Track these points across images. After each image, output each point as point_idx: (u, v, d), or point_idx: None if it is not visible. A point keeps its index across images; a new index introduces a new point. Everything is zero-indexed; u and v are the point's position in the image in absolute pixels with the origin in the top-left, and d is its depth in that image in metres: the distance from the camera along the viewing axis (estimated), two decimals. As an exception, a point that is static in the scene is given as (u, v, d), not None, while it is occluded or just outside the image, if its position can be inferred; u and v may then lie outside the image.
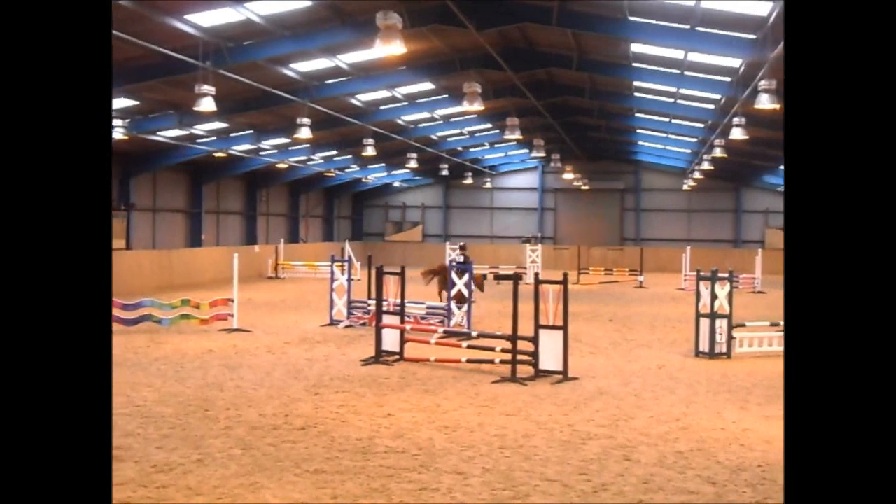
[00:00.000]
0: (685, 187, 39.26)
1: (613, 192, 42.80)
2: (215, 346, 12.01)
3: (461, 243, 22.15)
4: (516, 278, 10.22)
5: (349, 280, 15.07)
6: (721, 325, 11.71)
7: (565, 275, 9.86)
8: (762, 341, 12.06)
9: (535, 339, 9.89)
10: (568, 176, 37.84)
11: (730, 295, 11.76)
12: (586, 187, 41.10)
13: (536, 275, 10.85)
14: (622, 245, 42.17)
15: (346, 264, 15.50)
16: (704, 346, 11.86)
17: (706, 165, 28.14)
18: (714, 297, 11.77)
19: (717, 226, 41.52)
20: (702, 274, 12.12)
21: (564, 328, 9.71)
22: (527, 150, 37.44)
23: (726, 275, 12.00)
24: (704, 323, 11.87)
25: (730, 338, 11.69)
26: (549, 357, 9.76)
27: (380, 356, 10.75)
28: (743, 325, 12.18)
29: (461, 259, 17.71)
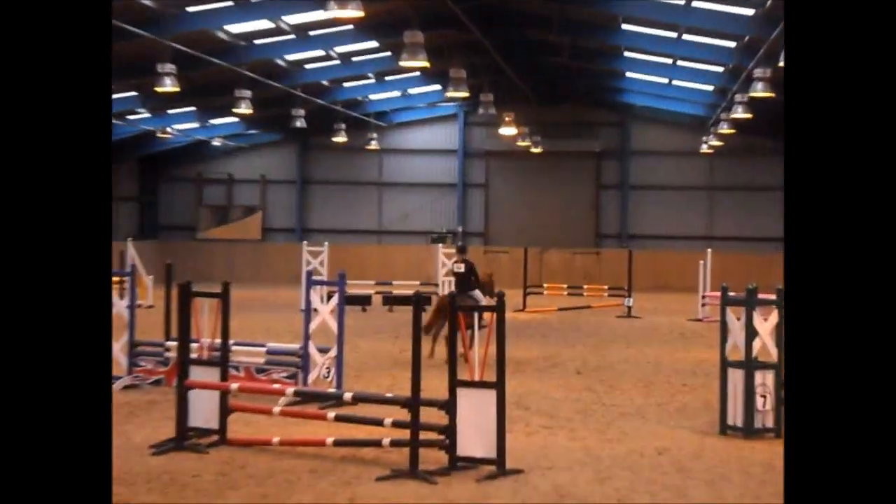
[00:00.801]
0: (705, 149, 40.43)
1: (584, 159, 43.70)
2: None
3: (459, 243, 22.54)
4: (419, 302, 10.08)
5: (131, 307, 15.06)
6: (765, 380, 11.79)
7: (500, 296, 9.92)
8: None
9: (449, 406, 9.99)
10: (508, 131, 38.14)
11: (779, 329, 11.85)
12: (539, 150, 41.73)
13: (452, 296, 10.74)
14: (598, 247, 43.13)
15: (127, 280, 15.88)
16: (736, 416, 11.95)
17: (740, 113, 28.90)
18: (752, 333, 11.84)
19: (757, 214, 42.98)
20: (731, 295, 12.19)
21: (499, 386, 9.81)
22: (439, 88, 37.45)
23: (773, 297, 12.10)
24: (736, 377, 11.96)
25: (779, 403, 11.74)
26: (474, 435, 9.92)
27: (185, 437, 10.88)
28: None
29: (461, 268, 18.52)
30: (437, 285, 28.29)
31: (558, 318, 27.41)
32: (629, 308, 28.34)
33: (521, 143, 40.44)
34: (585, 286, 31.83)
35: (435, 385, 12.77)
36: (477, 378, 10.06)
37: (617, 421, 12.75)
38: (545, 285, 32.17)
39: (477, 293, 18.45)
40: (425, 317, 16.83)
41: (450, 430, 9.98)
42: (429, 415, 10.22)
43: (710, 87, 35.23)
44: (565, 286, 31.59)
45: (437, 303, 18.32)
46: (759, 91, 23.97)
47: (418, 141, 44.21)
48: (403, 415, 10.09)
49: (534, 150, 41.31)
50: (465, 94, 25.62)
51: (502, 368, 9.83)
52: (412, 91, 39.62)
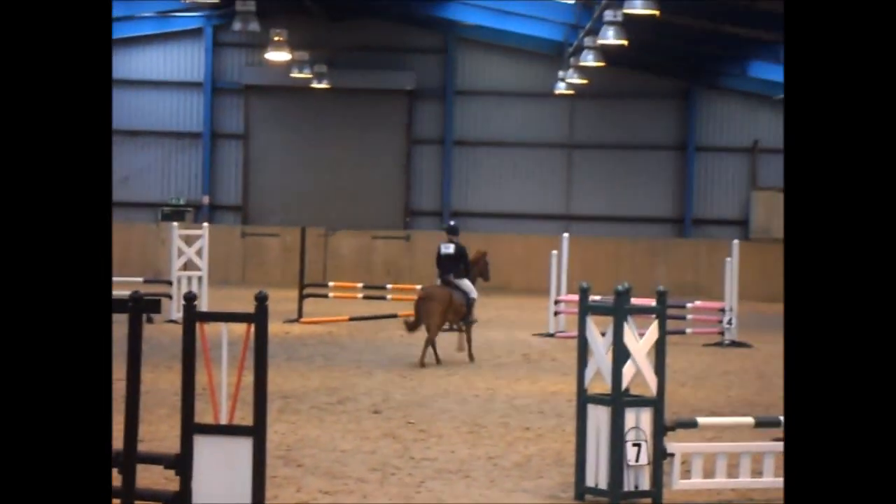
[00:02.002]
0: (562, 89, 41.32)
1: (391, 100, 43.94)
2: None
3: (450, 222, 26.17)
4: (142, 308, 9.72)
5: None
6: (640, 421, 11.97)
7: (262, 298, 9.75)
8: (736, 464, 12.52)
9: (181, 462, 9.84)
10: (279, 56, 37.94)
11: (660, 349, 12.06)
12: (324, 85, 41.90)
13: (190, 298, 10.41)
14: (409, 228, 43.26)
15: None
16: (599, 474, 12.10)
17: (611, 37, 29.45)
18: (623, 354, 11.99)
19: (636, 183, 44.13)
20: (595, 300, 12.31)
21: (257, 433, 9.76)
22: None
23: (650, 302, 12.28)
24: (599, 417, 12.11)
25: (659, 455, 11.97)
26: (220, 499, 9.84)
27: None
28: (691, 424, 12.69)
29: (450, 249, 22.88)
30: (170, 283, 27.79)
31: (350, 332, 27.37)
32: (452, 318, 28.52)
33: (297, 75, 40.28)
34: (390, 286, 31.88)
35: (163, 429, 12.40)
36: (225, 421, 9.88)
37: (430, 482, 12.63)
38: (331, 284, 32.12)
39: (466, 283, 22.49)
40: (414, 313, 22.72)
41: (181, 499, 9.77)
42: (152, 475, 9.97)
43: (571, 0, 35.84)
44: (360, 285, 31.61)
45: (419, 293, 22.47)
46: (639, 6, 24.46)
47: (143, 68, 43.56)
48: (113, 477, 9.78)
49: (317, 85, 41.23)
50: (213, 0, 25.14)
51: (263, 406, 9.68)
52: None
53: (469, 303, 22.87)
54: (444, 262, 22.85)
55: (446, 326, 22.85)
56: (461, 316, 22.87)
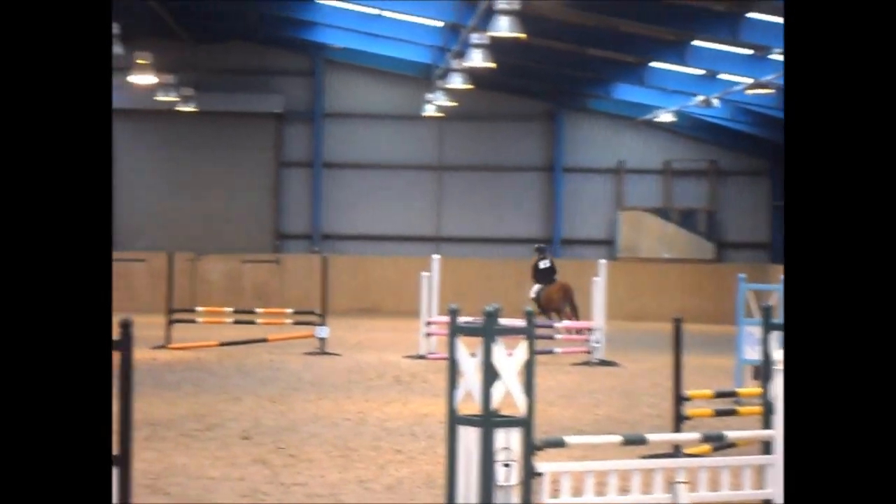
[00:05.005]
0: (430, 111, 41.59)
1: (259, 123, 43.77)
2: None
3: (540, 245, 36.57)
4: None
5: None
6: (510, 441, 11.99)
7: (125, 324, 9.61)
8: (605, 482, 12.59)
9: None
10: (144, 79, 37.45)
11: (529, 369, 12.09)
12: (192, 108, 41.77)
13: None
14: (279, 251, 43.03)
15: None
16: (469, 494, 12.06)
17: (478, 60, 29.51)
18: (492, 375, 12.00)
19: (506, 204, 44.39)
20: (464, 321, 12.33)
21: (123, 461, 9.45)
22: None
23: (520, 322, 12.34)
24: (469, 438, 12.07)
25: (529, 475, 12.00)
26: None
27: None
28: (559, 443, 12.73)
29: (546, 264, 34.19)
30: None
31: (219, 358, 27.09)
32: (322, 341, 28.43)
33: (163, 98, 39.82)
34: (260, 310, 31.65)
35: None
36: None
37: (298, 510, 12.56)
38: (200, 309, 31.79)
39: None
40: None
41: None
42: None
43: (440, 23, 35.93)
44: (230, 310, 31.36)
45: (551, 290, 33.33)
46: (505, 29, 24.58)
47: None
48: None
49: (184, 108, 40.83)
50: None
51: (128, 434, 9.39)
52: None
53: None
54: (543, 274, 33.84)
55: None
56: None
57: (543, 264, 33.90)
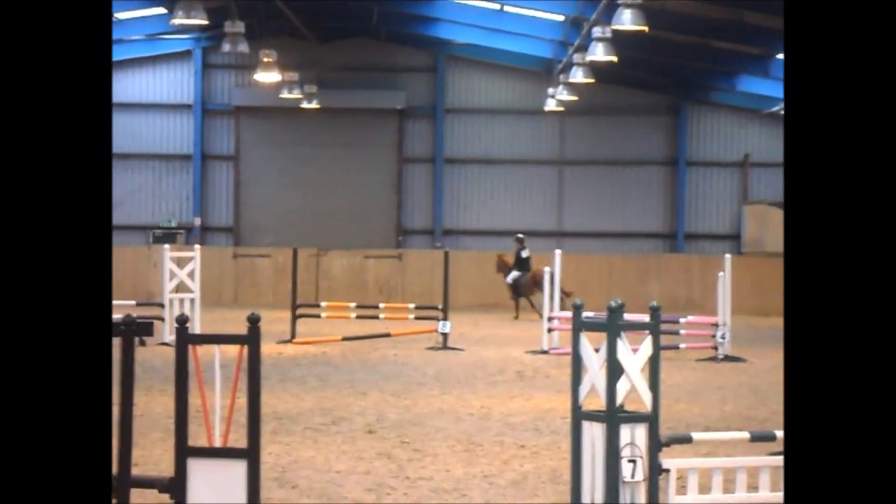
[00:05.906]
0: (552, 106, 41.39)
1: (381, 119, 43.97)
2: None
3: (519, 235, 38.95)
4: (135, 331, 9.66)
5: None
6: (635, 437, 11.92)
7: (254, 319, 9.70)
8: (732, 479, 12.48)
9: (175, 486, 9.74)
10: (269, 77, 37.95)
11: (654, 364, 12.03)
12: (315, 105, 42.05)
13: (182, 321, 10.36)
14: (401, 247, 43.21)
15: None
16: (595, 490, 12.03)
17: (600, 54, 29.46)
18: (616, 370, 11.95)
19: (627, 199, 44.18)
20: (588, 316, 12.29)
21: (251, 455, 9.71)
22: (163, 12, 37.13)
23: (645, 317, 12.28)
24: (594, 434, 12.04)
25: (655, 471, 11.93)
26: None
27: None
28: (686, 440, 12.67)
29: (526, 254, 37.49)
30: (162, 306, 27.65)
31: (343, 353, 27.28)
32: (445, 336, 28.51)
33: (287, 96, 40.23)
34: (383, 305, 31.89)
35: (155, 453, 12.32)
36: (219, 443, 9.83)
37: (426, 502, 12.63)
38: (324, 304, 32.05)
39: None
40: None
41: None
42: (146, 499, 9.96)
43: (561, 17, 35.84)
44: (353, 305, 31.50)
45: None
46: (628, 22, 24.45)
47: (133, 91, 43.50)
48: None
49: (307, 105, 41.20)
50: (202, 22, 25.18)
51: (256, 428, 9.61)
52: (121, 16, 38.87)
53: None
54: (522, 263, 37.46)
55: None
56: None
57: (524, 254, 37.42)
